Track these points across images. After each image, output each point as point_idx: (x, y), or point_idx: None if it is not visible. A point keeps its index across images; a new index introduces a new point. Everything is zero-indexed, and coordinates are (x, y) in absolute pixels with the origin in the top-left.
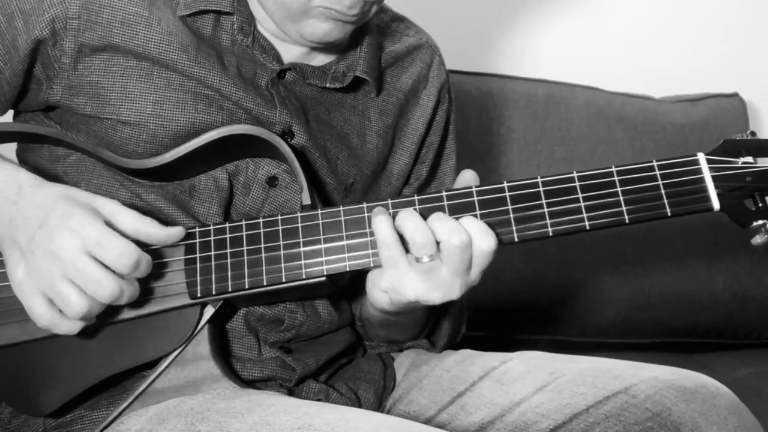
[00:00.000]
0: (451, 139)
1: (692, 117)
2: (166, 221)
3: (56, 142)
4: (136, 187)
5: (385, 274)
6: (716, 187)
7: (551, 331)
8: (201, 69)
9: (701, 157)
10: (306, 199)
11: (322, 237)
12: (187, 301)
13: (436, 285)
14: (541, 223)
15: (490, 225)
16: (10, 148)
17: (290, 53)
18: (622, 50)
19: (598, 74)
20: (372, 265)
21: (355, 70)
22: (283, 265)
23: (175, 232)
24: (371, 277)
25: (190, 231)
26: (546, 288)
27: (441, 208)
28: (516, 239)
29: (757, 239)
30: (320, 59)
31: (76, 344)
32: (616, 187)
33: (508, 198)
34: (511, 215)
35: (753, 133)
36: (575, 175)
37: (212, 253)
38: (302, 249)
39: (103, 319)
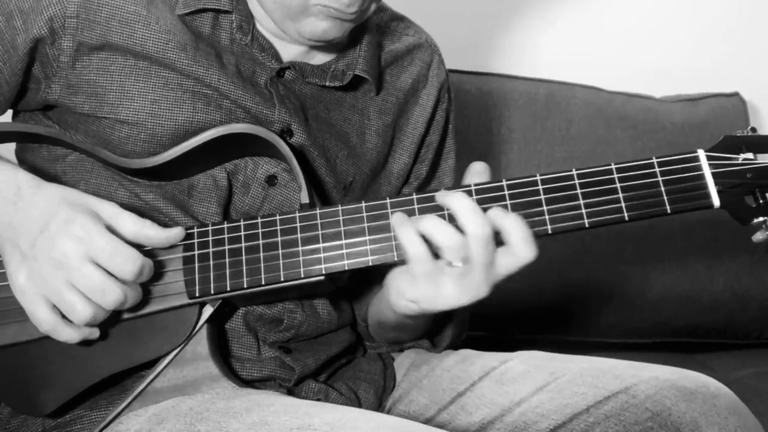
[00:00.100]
0: (450, 138)
1: (693, 116)
2: (165, 221)
3: (55, 142)
4: (134, 187)
5: (418, 287)
6: (716, 183)
7: (551, 331)
8: (199, 68)
9: (701, 154)
10: (304, 198)
11: (320, 236)
12: (186, 300)
13: (470, 287)
14: (540, 219)
15: None
16: (9, 148)
17: (289, 52)
18: (623, 50)
19: (598, 74)
20: (370, 263)
21: (354, 68)
22: (281, 263)
23: (175, 234)
24: (397, 287)
25: (188, 231)
26: (546, 288)
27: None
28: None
29: (758, 236)
30: (319, 58)
31: (75, 344)
32: (615, 184)
33: (507, 196)
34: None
35: (753, 130)
36: (574, 172)
37: (210, 252)
38: (300, 248)
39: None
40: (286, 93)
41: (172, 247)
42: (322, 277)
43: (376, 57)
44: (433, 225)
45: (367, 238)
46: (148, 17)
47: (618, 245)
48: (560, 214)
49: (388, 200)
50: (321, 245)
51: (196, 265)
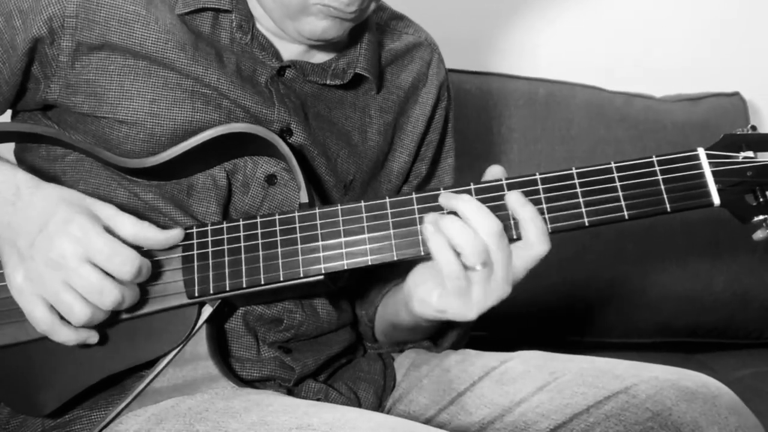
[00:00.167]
0: (449, 137)
1: (693, 116)
2: (164, 221)
3: (54, 142)
4: (134, 187)
5: (448, 299)
6: (716, 182)
7: (551, 331)
8: (199, 67)
9: (701, 152)
10: (304, 198)
11: (320, 235)
12: (185, 300)
13: (494, 289)
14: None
15: None
16: (8, 148)
17: (289, 51)
18: (623, 49)
19: (598, 73)
20: (370, 263)
21: (355, 67)
22: (281, 263)
23: (174, 236)
24: (422, 298)
25: (187, 230)
26: (546, 287)
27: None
28: (514, 236)
29: (759, 234)
30: (319, 57)
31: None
32: (615, 183)
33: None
34: (510, 212)
35: (753, 128)
36: (574, 171)
37: (210, 251)
38: (300, 247)
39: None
40: (286, 92)
41: (171, 247)
42: (321, 277)
43: (376, 55)
44: (457, 231)
45: (366, 236)
46: (148, 17)
47: (618, 245)
48: (560, 213)
49: (387, 200)
50: (320, 244)
51: (195, 264)
